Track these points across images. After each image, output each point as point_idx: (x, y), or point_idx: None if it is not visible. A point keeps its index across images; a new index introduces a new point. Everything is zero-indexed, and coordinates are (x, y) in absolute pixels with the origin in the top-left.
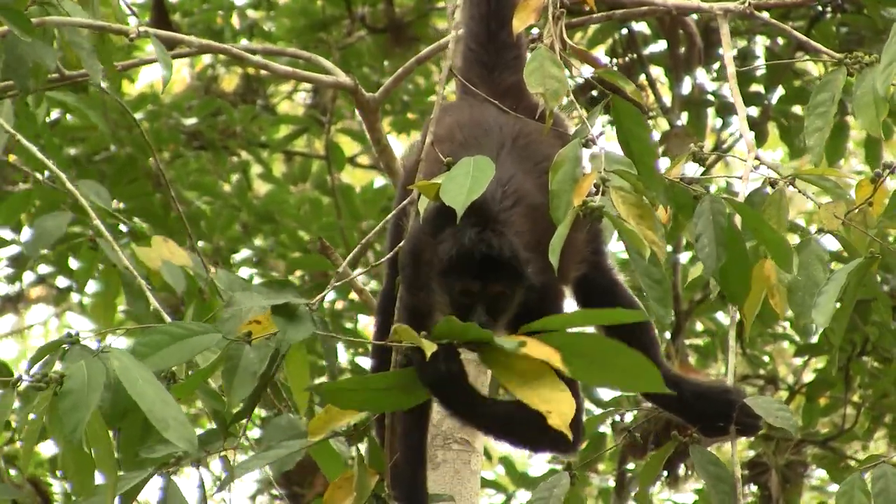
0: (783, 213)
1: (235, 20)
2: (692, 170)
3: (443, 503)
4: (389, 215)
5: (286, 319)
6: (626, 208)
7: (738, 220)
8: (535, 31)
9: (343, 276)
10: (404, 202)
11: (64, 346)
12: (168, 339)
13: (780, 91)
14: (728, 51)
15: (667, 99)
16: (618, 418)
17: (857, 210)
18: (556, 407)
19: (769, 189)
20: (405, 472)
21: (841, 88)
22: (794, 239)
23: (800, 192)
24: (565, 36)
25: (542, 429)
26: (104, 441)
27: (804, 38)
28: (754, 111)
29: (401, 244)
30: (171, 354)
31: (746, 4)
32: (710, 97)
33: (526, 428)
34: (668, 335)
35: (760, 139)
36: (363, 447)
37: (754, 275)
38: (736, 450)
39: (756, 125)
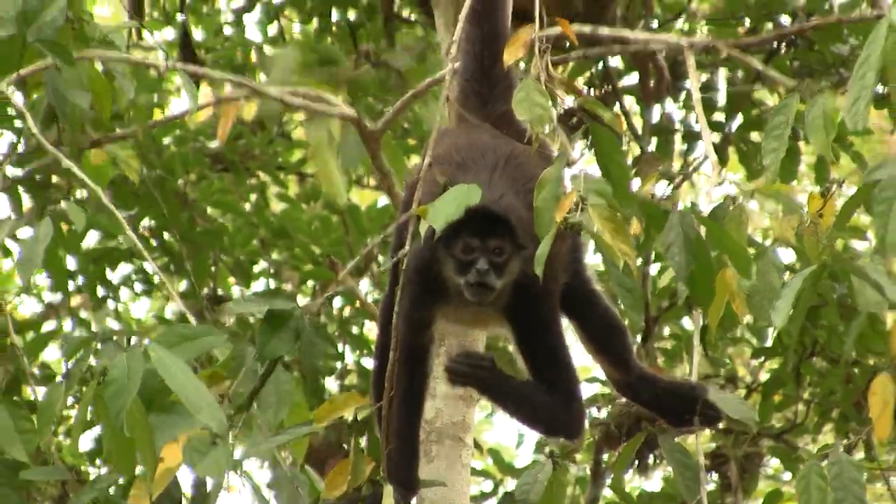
0: (743, 226)
1: (254, 55)
2: (661, 189)
3: (434, 487)
4: (389, 228)
5: (272, 331)
6: (603, 223)
7: (703, 232)
8: (522, 65)
9: (344, 284)
10: (404, 216)
11: (96, 343)
12: (179, 338)
13: (739, 119)
14: (694, 78)
15: (638, 126)
16: (595, 412)
17: (809, 221)
18: None
19: (730, 205)
20: (400, 461)
21: (794, 113)
22: (751, 251)
23: (759, 206)
24: (550, 68)
25: (555, 414)
26: (143, 425)
27: (762, 66)
28: (716, 137)
29: (400, 254)
30: (183, 351)
31: (709, 41)
32: (678, 125)
33: (542, 412)
34: (639, 339)
35: (722, 162)
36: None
37: (717, 282)
38: (700, 439)
39: (717, 150)
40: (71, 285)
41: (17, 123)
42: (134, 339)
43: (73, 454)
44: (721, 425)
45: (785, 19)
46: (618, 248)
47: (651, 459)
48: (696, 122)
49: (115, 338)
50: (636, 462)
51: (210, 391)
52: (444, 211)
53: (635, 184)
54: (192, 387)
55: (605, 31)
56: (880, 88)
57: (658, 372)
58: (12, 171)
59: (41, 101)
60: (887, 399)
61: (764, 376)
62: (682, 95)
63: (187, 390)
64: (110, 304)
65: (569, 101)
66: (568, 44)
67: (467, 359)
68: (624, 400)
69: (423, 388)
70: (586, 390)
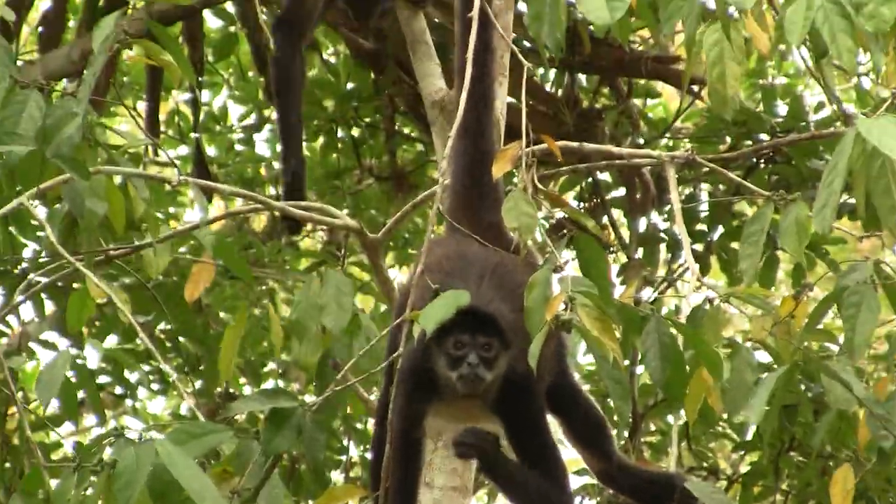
0: (719, 327)
1: (263, 170)
2: (647, 293)
3: None
4: (384, 331)
5: (275, 427)
6: (591, 321)
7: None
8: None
9: (343, 383)
10: (398, 320)
11: (111, 438)
12: (188, 436)
13: (720, 229)
14: (674, 189)
15: (626, 236)
16: (586, 502)
17: (781, 322)
18: None
19: (708, 307)
20: None
21: (769, 222)
22: (728, 350)
23: (738, 309)
24: (536, 181)
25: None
26: None
27: (739, 179)
28: (699, 246)
29: (394, 356)
30: (192, 448)
31: (689, 152)
32: (663, 234)
33: (537, 497)
34: (626, 434)
35: (704, 269)
36: None
37: (694, 379)
38: None
39: (700, 258)
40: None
41: (41, 234)
42: (150, 434)
43: None
44: None
45: (764, 136)
46: (606, 344)
47: None
48: (678, 226)
49: (125, 433)
50: None
51: (220, 487)
52: (436, 314)
53: (619, 289)
54: (198, 481)
55: (590, 146)
56: (853, 200)
57: (643, 464)
58: (35, 278)
59: (61, 211)
60: (848, 488)
61: (744, 468)
62: (667, 207)
63: (194, 485)
64: (128, 402)
65: (559, 215)
66: (559, 159)
67: (474, 433)
68: (611, 491)
69: (417, 478)
70: (576, 481)
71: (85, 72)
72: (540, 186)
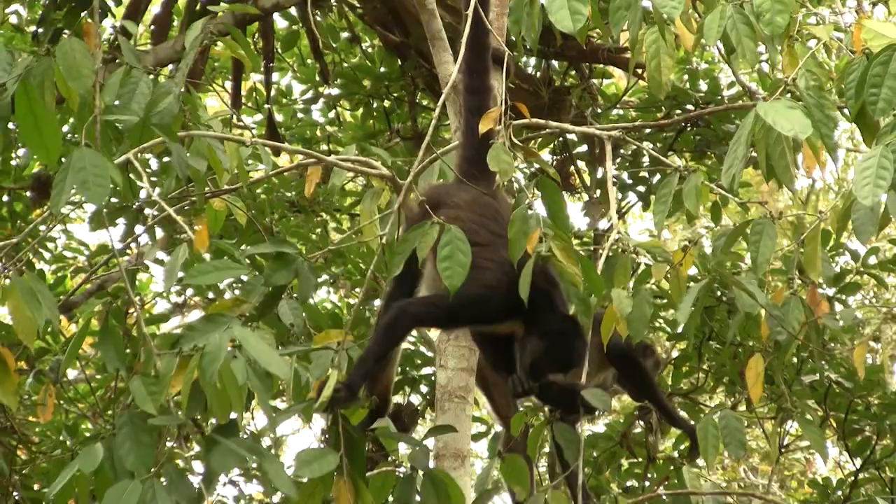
0: (627, 270)
1: (318, 132)
2: (603, 224)
3: (448, 433)
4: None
5: (278, 265)
6: (561, 252)
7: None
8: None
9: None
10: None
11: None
12: (214, 268)
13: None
14: (609, 160)
15: (588, 181)
16: None
17: (673, 267)
18: None
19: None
20: (357, 373)
21: (675, 185)
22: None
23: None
24: (513, 138)
25: None
26: (234, 384)
27: (656, 154)
28: (642, 188)
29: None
30: (218, 276)
31: (621, 134)
32: (615, 180)
33: None
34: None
35: (646, 206)
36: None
37: (607, 312)
38: (582, 422)
39: (642, 197)
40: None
41: (153, 178)
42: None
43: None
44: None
45: (689, 107)
46: (570, 270)
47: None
48: (628, 179)
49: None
50: None
51: (233, 310)
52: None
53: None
54: (265, 353)
55: (554, 124)
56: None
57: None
58: (150, 212)
59: (171, 167)
60: (759, 372)
61: (675, 354)
62: (618, 159)
63: (262, 356)
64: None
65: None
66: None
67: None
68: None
69: (393, 350)
70: None
71: (181, 61)
72: (516, 142)
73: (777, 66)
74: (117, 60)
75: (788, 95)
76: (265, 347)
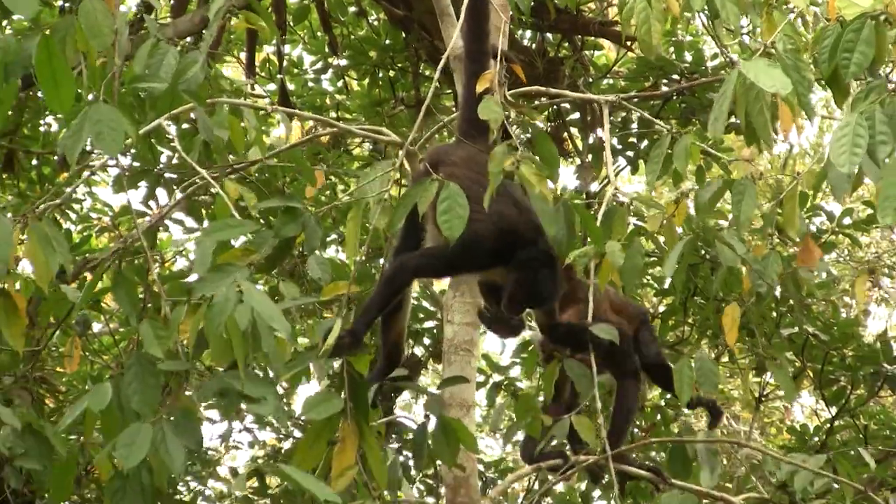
0: (624, 221)
1: (328, 100)
2: (595, 187)
3: (459, 384)
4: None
5: (287, 219)
6: (532, 176)
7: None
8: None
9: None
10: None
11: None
12: (227, 226)
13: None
14: (606, 123)
15: (580, 146)
16: None
17: (666, 218)
18: None
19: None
20: (360, 321)
21: (667, 146)
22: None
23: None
24: (506, 94)
25: None
26: (238, 336)
27: (649, 118)
28: (632, 153)
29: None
30: (229, 234)
31: (617, 98)
32: (605, 145)
33: None
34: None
35: (634, 169)
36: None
37: (604, 264)
38: (592, 357)
39: (631, 161)
40: None
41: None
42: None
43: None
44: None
45: (675, 77)
46: (541, 192)
47: None
48: (618, 144)
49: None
50: None
51: (242, 259)
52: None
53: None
54: (268, 308)
55: (554, 91)
56: (738, 121)
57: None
58: (168, 175)
59: (197, 135)
60: (735, 318)
61: (662, 308)
62: (608, 126)
63: (265, 311)
64: None
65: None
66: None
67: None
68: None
69: (393, 302)
70: None
71: (204, 32)
72: (508, 98)
73: (757, 31)
74: (141, 33)
75: (768, 59)
76: (268, 303)
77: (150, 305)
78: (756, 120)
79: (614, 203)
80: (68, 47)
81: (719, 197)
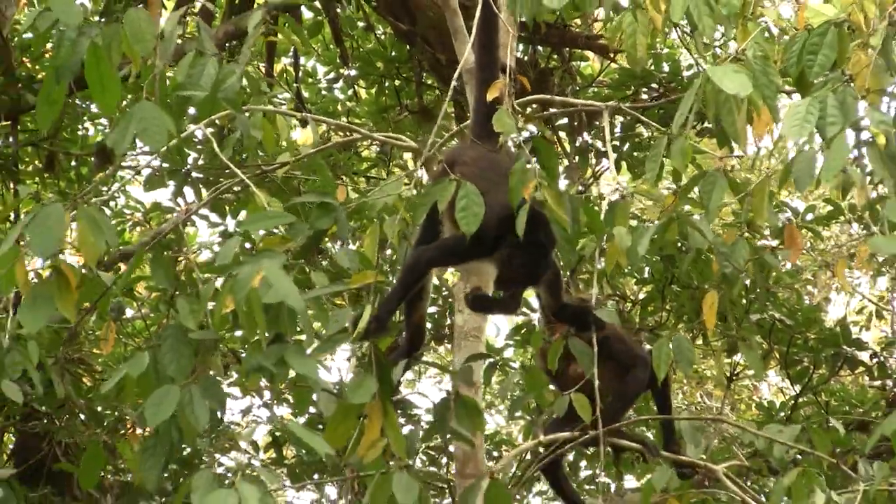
0: (627, 212)
1: (339, 107)
2: (581, 187)
3: (480, 360)
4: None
5: (322, 213)
6: (551, 198)
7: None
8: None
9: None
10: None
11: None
12: (265, 216)
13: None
14: (607, 127)
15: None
16: None
17: (665, 209)
18: None
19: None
20: (385, 308)
21: (664, 145)
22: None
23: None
24: (515, 105)
25: None
26: (257, 307)
27: (648, 121)
28: (614, 155)
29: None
30: (266, 224)
31: (617, 104)
32: (590, 148)
33: None
34: (569, 273)
35: (617, 170)
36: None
37: (610, 246)
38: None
39: (616, 162)
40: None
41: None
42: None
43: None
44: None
45: (654, 86)
46: (559, 215)
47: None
48: (602, 147)
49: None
50: None
51: (279, 246)
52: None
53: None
54: (286, 286)
55: (559, 98)
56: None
57: (579, 293)
58: (195, 175)
59: (233, 136)
60: (713, 303)
61: (642, 295)
62: (594, 131)
63: (282, 289)
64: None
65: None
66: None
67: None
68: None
69: (424, 280)
70: None
71: (244, 45)
72: (517, 109)
73: (731, 43)
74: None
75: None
76: (287, 281)
77: (183, 279)
78: (726, 119)
79: (618, 196)
80: (114, 52)
81: (692, 187)
